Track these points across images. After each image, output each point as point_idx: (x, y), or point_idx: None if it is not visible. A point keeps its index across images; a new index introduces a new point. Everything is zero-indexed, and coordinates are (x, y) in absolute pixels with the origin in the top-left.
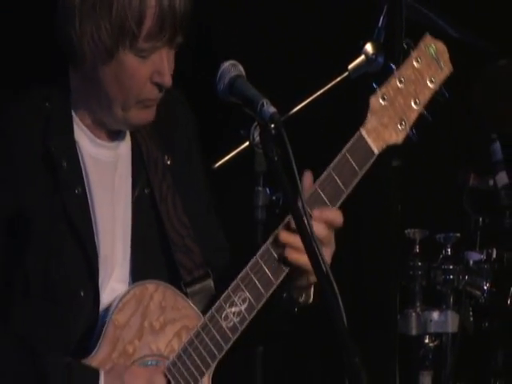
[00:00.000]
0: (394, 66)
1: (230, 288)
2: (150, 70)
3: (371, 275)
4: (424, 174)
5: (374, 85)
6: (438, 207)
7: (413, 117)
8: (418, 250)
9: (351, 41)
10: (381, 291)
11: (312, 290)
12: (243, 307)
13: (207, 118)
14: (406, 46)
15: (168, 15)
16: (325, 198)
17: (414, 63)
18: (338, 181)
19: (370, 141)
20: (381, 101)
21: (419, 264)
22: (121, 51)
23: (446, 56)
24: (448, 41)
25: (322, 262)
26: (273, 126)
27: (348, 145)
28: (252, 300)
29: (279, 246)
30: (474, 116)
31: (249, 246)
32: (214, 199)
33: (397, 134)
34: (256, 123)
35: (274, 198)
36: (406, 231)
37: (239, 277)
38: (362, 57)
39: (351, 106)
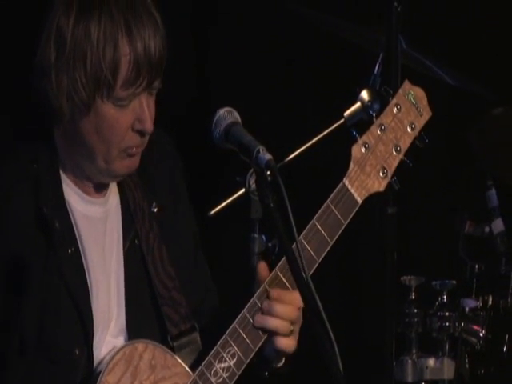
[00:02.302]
0: (374, 114)
1: (218, 344)
2: (130, 118)
3: (367, 322)
4: (420, 221)
5: (355, 133)
6: (433, 254)
7: (394, 164)
8: (413, 297)
9: (347, 88)
10: (377, 338)
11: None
12: (232, 362)
13: (203, 164)
14: (384, 94)
15: (143, 61)
16: (310, 250)
17: (394, 110)
18: (323, 232)
19: (353, 190)
20: (362, 149)
21: (415, 311)
22: (99, 102)
23: (425, 101)
24: (444, 88)
25: (318, 307)
26: (269, 172)
27: (332, 195)
28: (241, 355)
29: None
30: (469, 163)
31: (244, 293)
32: (200, 240)
33: (379, 182)
34: (252, 170)
35: (269, 244)
36: (401, 278)
37: (227, 332)
38: (358, 103)
39: (338, 154)
